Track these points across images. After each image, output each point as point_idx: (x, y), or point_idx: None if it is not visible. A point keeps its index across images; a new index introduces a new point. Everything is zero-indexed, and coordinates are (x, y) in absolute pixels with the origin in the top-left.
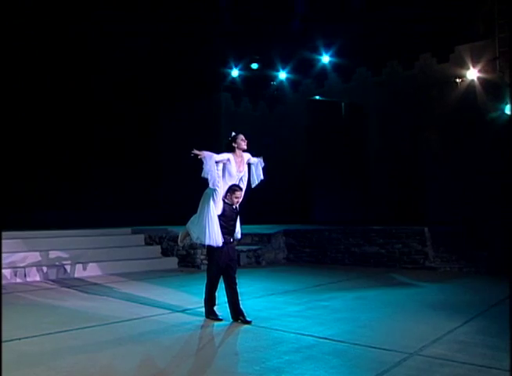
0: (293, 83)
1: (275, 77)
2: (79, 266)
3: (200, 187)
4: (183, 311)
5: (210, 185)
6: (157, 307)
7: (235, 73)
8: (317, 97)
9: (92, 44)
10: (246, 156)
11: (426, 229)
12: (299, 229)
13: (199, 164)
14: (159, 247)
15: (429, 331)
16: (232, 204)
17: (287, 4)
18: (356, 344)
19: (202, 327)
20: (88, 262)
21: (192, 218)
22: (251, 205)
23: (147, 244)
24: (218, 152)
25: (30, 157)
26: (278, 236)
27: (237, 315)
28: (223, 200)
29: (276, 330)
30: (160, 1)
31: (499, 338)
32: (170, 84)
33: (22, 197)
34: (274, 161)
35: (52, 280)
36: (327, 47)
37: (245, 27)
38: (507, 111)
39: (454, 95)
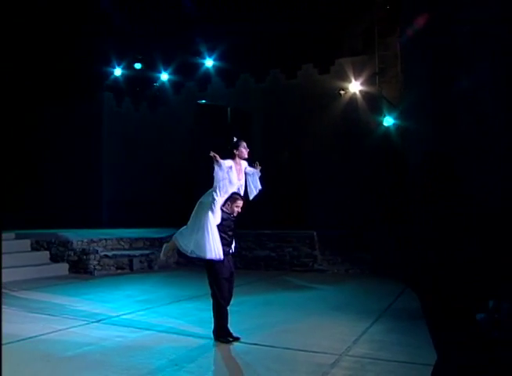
0: (175, 85)
1: (157, 78)
2: None
3: (81, 188)
4: (99, 321)
5: (217, 192)
6: (69, 318)
7: (118, 72)
8: (203, 101)
9: None
10: (244, 164)
11: (315, 233)
12: None
13: (75, 165)
14: (47, 252)
15: (346, 332)
16: (231, 214)
17: (170, 4)
18: (286, 348)
19: (127, 338)
20: None
21: (181, 230)
22: (140, 208)
23: (34, 249)
24: (100, 150)
25: None
26: (168, 240)
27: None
28: (221, 209)
29: (203, 338)
30: None
31: (408, 336)
32: (49, 82)
33: None
34: (155, 163)
35: None
36: (211, 51)
37: (128, 26)
38: (385, 123)
39: (338, 106)
